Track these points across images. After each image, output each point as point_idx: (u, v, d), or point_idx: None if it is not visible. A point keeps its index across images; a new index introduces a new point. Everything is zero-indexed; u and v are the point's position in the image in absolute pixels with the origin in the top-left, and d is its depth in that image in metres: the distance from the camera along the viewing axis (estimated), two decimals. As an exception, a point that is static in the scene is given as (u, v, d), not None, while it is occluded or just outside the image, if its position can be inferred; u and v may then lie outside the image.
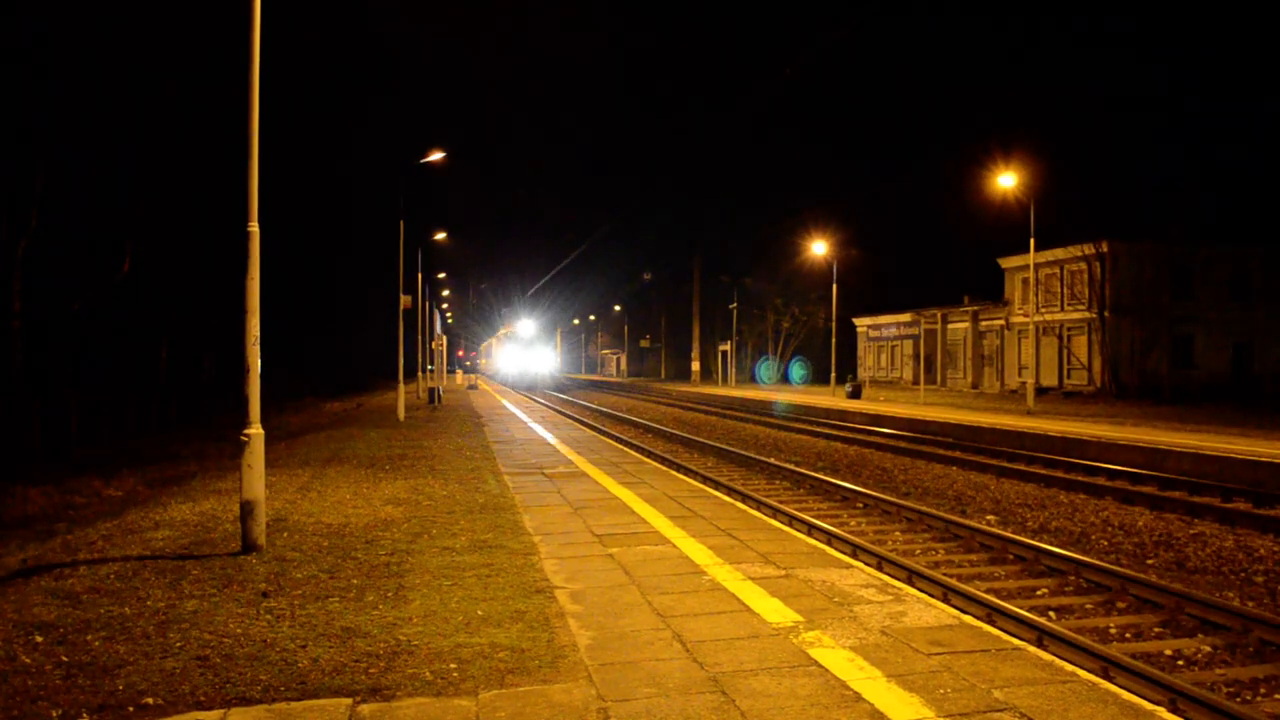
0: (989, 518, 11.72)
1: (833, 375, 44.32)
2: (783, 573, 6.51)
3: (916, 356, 53.15)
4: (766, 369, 64.94)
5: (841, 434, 23.19)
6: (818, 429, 24.68)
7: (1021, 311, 41.98)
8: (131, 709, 4.06)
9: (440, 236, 42.98)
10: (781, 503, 12.33)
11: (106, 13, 21.25)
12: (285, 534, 8.05)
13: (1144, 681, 5.51)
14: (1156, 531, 10.71)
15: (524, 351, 65.96)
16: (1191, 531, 10.69)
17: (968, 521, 10.79)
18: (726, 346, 63.29)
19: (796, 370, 63.31)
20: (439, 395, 32.80)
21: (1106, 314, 38.50)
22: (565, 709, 4.01)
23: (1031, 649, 4.89)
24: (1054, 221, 33.71)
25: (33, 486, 12.49)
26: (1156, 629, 7.09)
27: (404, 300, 29.91)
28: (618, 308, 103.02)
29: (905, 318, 55.96)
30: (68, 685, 4.34)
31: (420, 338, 40.62)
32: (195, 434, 22.79)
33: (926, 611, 5.51)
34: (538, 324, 71.54)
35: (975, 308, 49.98)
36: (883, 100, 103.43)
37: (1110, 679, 5.22)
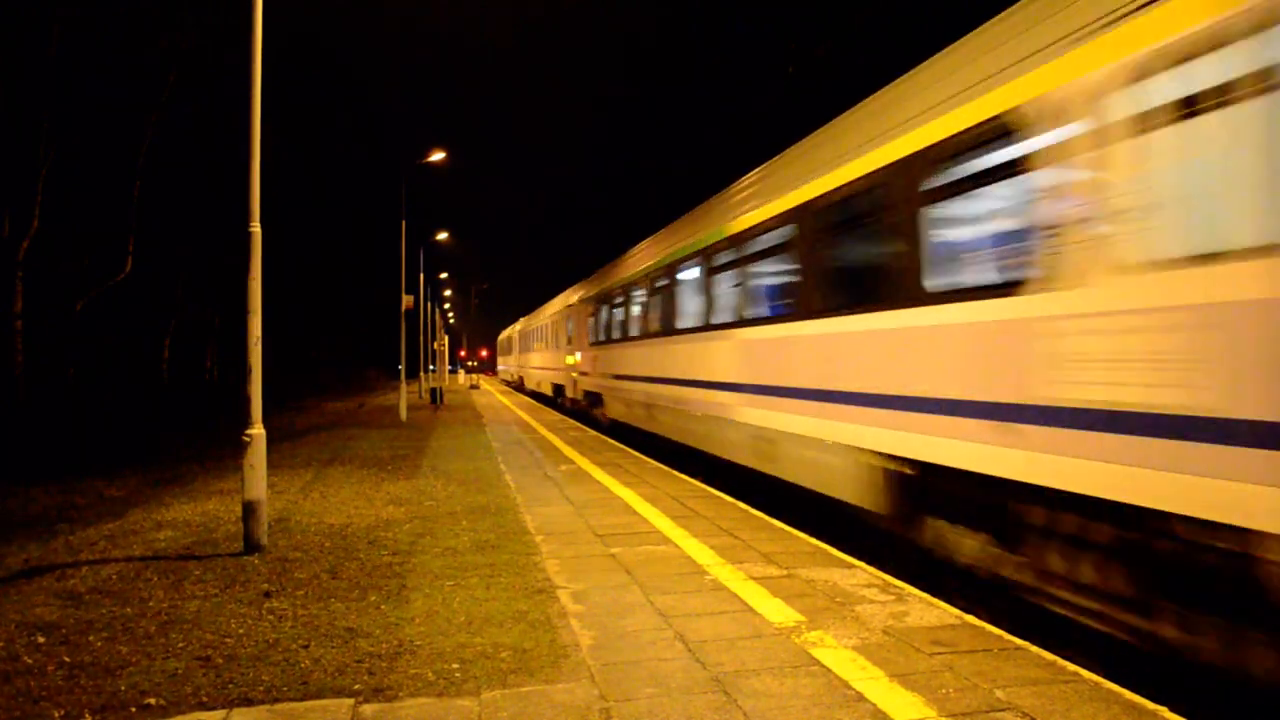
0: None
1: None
2: (785, 572, 6.51)
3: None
4: None
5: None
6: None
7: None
8: (134, 709, 4.06)
9: (442, 236, 43.02)
10: (783, 502, 12.30)
11: (108, 12, 21.26)
12: (287, 534, 8.06)
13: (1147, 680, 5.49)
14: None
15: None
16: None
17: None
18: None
19: None
20: (441, 395, 32.83)
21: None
22: (567, 709, 4.01)
23: (1034, 648, 4.88)
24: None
25: (35, 486, 12.50)
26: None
27: (405, 300, 29.95)
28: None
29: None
30: (70, 685, 4.35)
31: (422, 338, 40.64)
32: (197, 434, 22.79)
33: (929, 611, 5.51)
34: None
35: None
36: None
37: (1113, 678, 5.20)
